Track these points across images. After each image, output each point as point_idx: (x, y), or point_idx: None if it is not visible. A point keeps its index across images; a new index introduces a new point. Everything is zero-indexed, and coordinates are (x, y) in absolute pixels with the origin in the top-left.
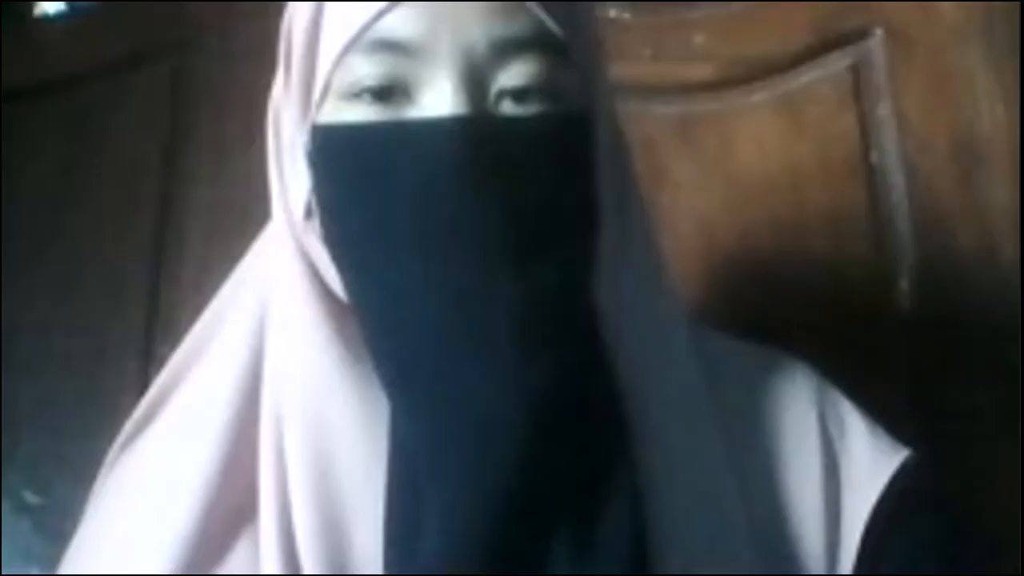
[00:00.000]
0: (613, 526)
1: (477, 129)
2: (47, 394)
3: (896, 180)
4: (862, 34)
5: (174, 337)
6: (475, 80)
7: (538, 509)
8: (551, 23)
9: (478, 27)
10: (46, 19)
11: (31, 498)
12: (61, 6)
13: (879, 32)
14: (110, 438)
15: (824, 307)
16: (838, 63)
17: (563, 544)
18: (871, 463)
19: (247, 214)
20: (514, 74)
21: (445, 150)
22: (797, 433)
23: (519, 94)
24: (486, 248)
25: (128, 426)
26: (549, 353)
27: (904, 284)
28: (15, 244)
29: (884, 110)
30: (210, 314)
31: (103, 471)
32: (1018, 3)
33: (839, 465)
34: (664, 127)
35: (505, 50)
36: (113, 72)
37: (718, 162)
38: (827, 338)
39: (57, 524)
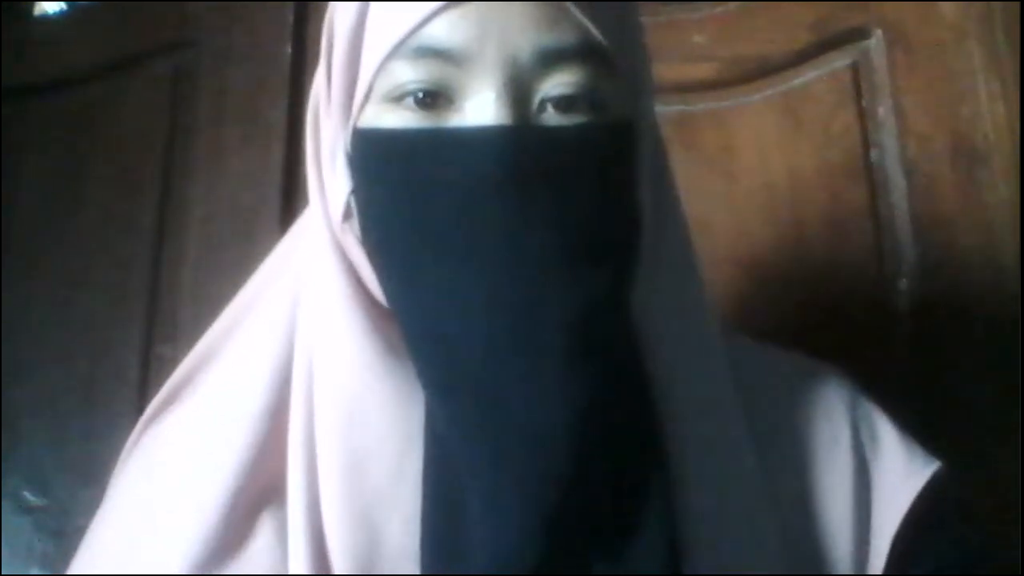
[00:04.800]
0: (647, 532)
1: (518, 139)
2: (47, 394)
3: (896, 180)
4: (862, 34)
5: (174, 337)
6: (518, 89)
7: (579, 516)
8: (596, 32)
9: (523, 36)
10: (46, 19)
11: (31, 498)
12: (61, 6)
13: (879, 32)
14: (110, 438)
15: (824, 307)
16: (838, 63)
17: (599, 551)
18: (902, 473)
19: (247, 214)
20: (558, 83)
21: (486, 159)
22: (830, 441)
23: (563, 103)
24: (527, 257)
25: (154, 403)
26: (594, 361)
27: (904, 284)
28: (15, 244)
29: (884, 110)
30: (240, 302)
31: (126, 448)
32: (1018, 3)
33: (871, 474)
34: (664, 127)
35: (550, 59)
36: (113, 72)
37: (718, 162)
38: (826, 337)
39: (57, 524)
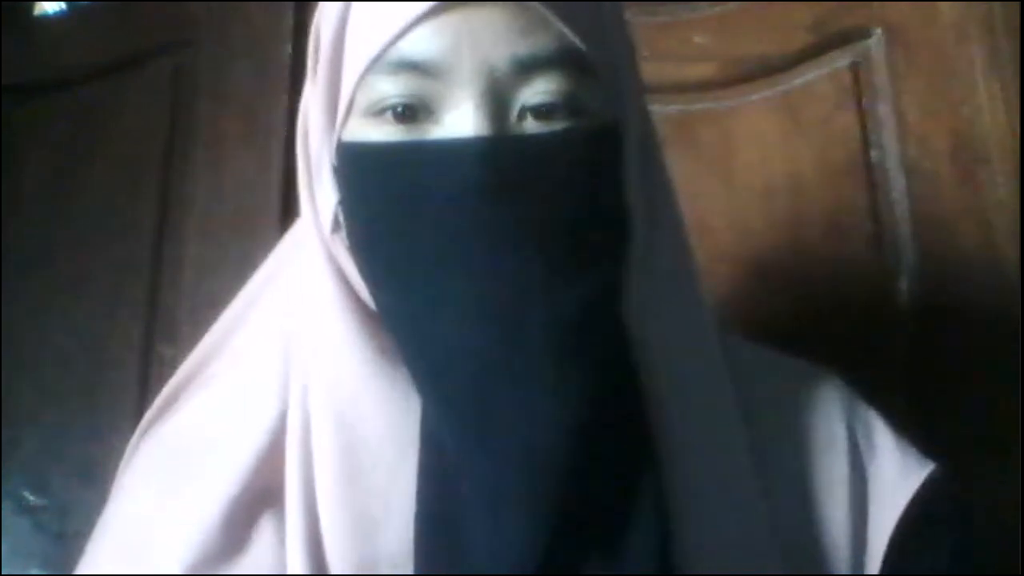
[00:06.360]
0: (641, 534)
1: (498, 149)
2: (47, 394)
3: (896, 180)
4: (862, 34)
5: (174, 337)
6: (497, 99)
7: (576, 518)
8: (575, 37)
9: (500, 45)
10: (46, 19)
11: (31, 498)
12: (61, 6)
13: (879, 32)
14: (110, 438)
15: (824, 307)
16: (838, 63)
17: (593, 552)
18: (898, 476)
19: (246, 214)
20: (537, 91)
21: (466, 170)
22: (826, 444)
23: (542, 111)
24: (512, 265)
25: (154, 406)
26: (586, 364)
27: (904, 284)
28: (15, 244)
29: (884, 110)
30: (240, 304)
31: (128, 451)
32: (1018, 3)
33: (867, 477)
34: (664, 127)
35: (527, 68)
36: (113, 72)
37: (718, 162)
38: (827, 337)
39: (57, 524)
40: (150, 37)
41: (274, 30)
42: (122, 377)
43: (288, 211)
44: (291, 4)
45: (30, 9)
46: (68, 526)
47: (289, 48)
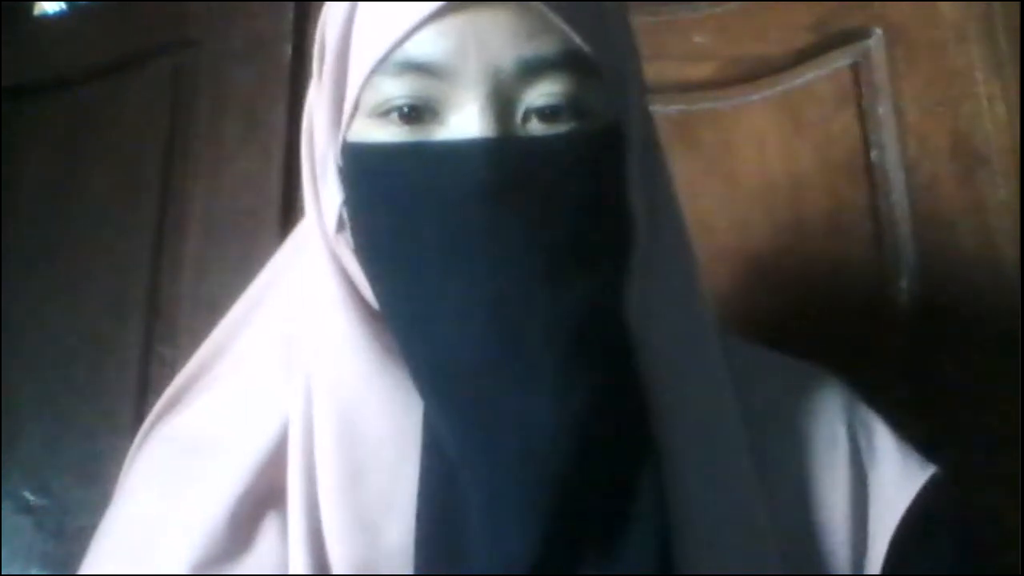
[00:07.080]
0: (642, 533)
1: (502, 150)
2: (48, 394)
3: (896, 180)
4: (862, 34)
5: (174, 337)
6: (502, 100)
7: (576, 517)
8: (579, 39)
9: (505, 47)
10: (46, 19)
11: (31, 498)
12: (61, 6)
13: (879, 32)
14: (110, 438)
15: (824, 306)
16: (838, 63)
17: (593, 551)
18: (899, 479)
19: (246, 214)
20: (541, 93)
21: (471, 171)
22: (826, 447)
23: (547, 113)
24: (515, 266)
25: (157, 407)
26: (587, 364)
27: (904, 284)
28: (15, 244)
29: (884, 110)
30: (243, 305)
31: (131, 452)
32: (1018, 3)
33: (867, 480)
34: (664, 127)
35: (532, 70)
36: (113, 72)
37: (718, 162)
38: (827, 337)
39: (57, 524)
40: (150, 37)
41: (274, 30)
42: (122, 377)
43: (288, 211)
44: (291, 4)
45: (30, 9)
46: (68, 525)
47: (289, 48)
